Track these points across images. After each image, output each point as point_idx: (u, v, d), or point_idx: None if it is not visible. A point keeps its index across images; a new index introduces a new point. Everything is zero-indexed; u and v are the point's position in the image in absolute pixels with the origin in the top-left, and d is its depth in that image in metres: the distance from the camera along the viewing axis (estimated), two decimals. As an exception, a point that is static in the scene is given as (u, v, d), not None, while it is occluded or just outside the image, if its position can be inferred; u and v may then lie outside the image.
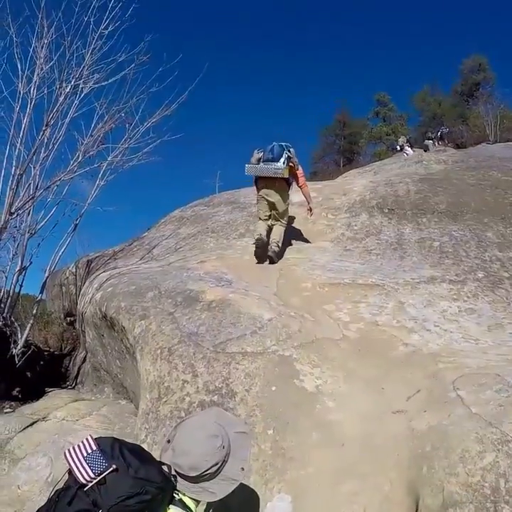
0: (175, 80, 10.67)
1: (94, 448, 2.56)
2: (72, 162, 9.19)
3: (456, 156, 17.08)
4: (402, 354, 5.19)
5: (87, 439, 2.64)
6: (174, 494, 2.64)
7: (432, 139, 26.52)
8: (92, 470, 2.45)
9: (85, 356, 9.01)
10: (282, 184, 8.84)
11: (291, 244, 9.03)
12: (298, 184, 9.38)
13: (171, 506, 2.58)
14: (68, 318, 10.87)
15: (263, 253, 8.32)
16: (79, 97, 9.39)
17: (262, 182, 8.88)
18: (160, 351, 5.37)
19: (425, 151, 22.91)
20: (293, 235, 9.51)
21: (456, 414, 3.70)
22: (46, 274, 9.61)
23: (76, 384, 9.01)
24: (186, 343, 5.30)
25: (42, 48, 9.06)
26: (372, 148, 51.51)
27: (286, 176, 8.78)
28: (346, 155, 54.08)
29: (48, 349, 9.95)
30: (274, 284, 6.93)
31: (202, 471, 2.63)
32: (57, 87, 9.07)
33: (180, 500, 2.65)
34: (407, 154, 21.00)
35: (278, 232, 8.62)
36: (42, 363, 9.13)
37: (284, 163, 8.64)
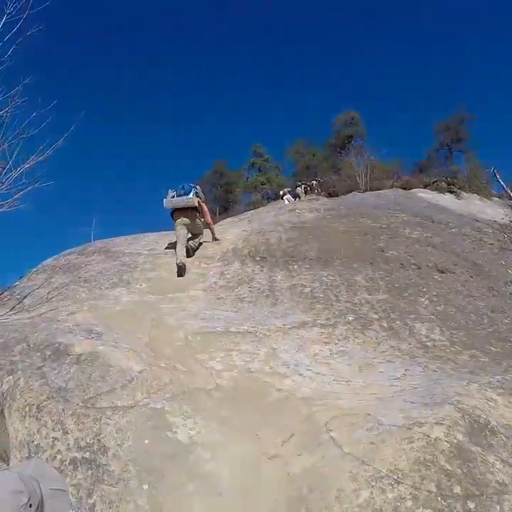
0: (51, 125, 10.48)
1: None
2: None
3: (328, 204, 17.66)
4: (276, 400, 5.20)
5: None
6: None
7: (300, 186, 27.39)
8: None
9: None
10: (193, 213, 11.21)
11: (163, 295, 8.95)
12: (206, 219, 11.63)
13: None
14: None
15: (182, 273, 9.98)
16: None
17: (177, 213, 11.14)
18: (28, 408, 5.13)
19: (295, 198, 23.60)
20: (165, 284, 9.45)
21: (330, 455, 3.74)
22: None
23: None
24: (55, 398, 5.09)
25: None
26: (247, 198, 52.39)
27: (196, 204, 11.18)
28: (222, 203, 54.68)
29: None
30: (146, 334, 6.81)
31: None
32: None
33: None
34: (287, 202, 21.54)
35: (195, 242, 11.24)
36: None
37: (193, 195, 11.15)
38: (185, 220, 11.04)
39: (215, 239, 11.84)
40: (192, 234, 11.20)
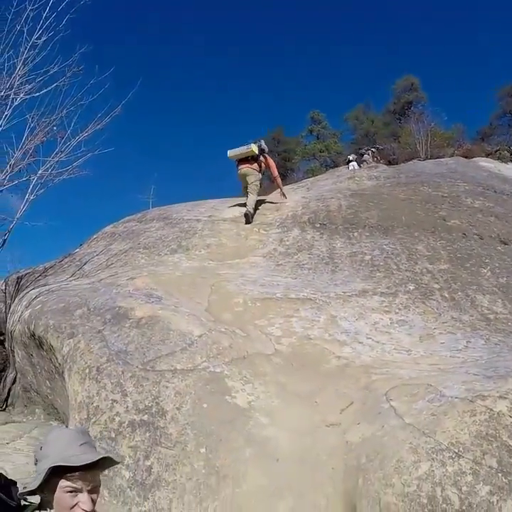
0: (108, 92, 10.51)
1: None
2: (1, 175, 8.94)
3: (387, 172, 17.34)
4: (335, 367, 5.17)
5: None
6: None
7: (367, 152, 26.90)
8: None
9: (15, 377, 8.74)
10: (252, 164, 11.82)
11: (222, 261, 8.96)
12: (272, 173, 12.81)
13: None
14: (-3, 337, 10.54)
15: (249, 220, 10.88)
16: (10, 107, 9.15)
17: (239, 163, 11.96)
18: (88, 370, 5.21)
19: (361, 165, 23.22)
20: (224, 250, 9.46)
21: (390, 425, 3.68)
22: (-26, 291, 9.32)
23: (6, 406, 8.72)
24: (115, 361, 5.16)
25: (-27, 56, 8.83)
26: (305, 165, 51.88)
27: (256, 152, 11.83)
28: (280, 171, 54.31)
29: (-25, 369, 9.62)
30: (205, 300, 6.83)
31: None
32: (-13, 97, 8.84)
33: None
34: (351, 168, 21.21)
35: (250, 200, 11.31)
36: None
37: (252, 144, 11.87)
38: (242, 168, 11.80)
39: (283, 194, 12.39)
40: (247, 184, 11.73)
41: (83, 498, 2.25)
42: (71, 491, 2.23)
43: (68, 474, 2.22)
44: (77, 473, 2.23)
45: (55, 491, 2.25)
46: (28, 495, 2.40)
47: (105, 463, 2.37)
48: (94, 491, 2.30)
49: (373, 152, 23.19)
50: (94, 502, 2.27)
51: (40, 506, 2.44)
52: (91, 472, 2.28)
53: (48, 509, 2.38)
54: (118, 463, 2.48)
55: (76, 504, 2.23)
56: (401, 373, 4.71)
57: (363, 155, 22.44)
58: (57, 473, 2.22)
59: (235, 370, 4.94)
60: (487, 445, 3.13)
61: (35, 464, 2.34)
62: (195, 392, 4.66)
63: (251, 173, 11.77)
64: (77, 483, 2.24)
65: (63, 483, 2.23)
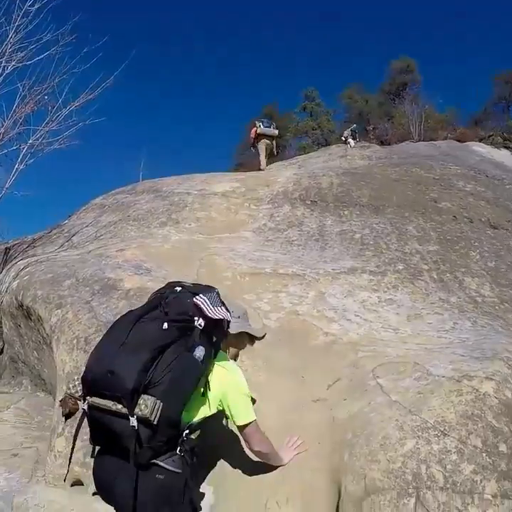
0: (101, 61, 10.44)
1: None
2: (-10, 144, 8.87)
3: (379, 152, 17.39)
4: (322, 343, 5.18)
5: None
6: None
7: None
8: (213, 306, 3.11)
9: (2, 347, 8.71)
10: (272, 141, 18.01)
11: (212, 235, 8.95)
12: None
13: None
14: (-15, 309, 10.50)
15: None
16: (1, 75, 9.06)
17: (263, 137, 17.76)
18: (76, 341, 5.22)
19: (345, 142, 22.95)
20: (214, 224, 9.45)
21: (377, 402, 3.70)
22: (-39, 262, 9.26)
23: (-7, 377, 8.72)
24: (103, 332, 5.16)
25: (-37, 23, 8.71)
26: (297, 142, 51.85)
27: (277, 133, 18.67)
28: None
29: (-38, 341, 9.58)
30: (194, 272, 6.81)
31: None
32: (-22, 64, 8.73)
33: None
34: (353, 143, 21.00)
35: (263, 160, 17.55)
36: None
37: (273, 127, 18.25)
38: (268, 141, 17.71)
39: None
40: (270, 151, 18.05)
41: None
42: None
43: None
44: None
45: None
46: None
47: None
48: None
49: (354, 134, 22.75)
50: None
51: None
52: None
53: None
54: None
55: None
56: (388, 351, 4.73)
57: (345, 139, 22.16)
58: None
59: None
60: (472, 425, 3.15)
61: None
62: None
63: (274, 143, 18.22)
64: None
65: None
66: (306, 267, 7.15)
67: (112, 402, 2.71)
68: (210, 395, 3.07)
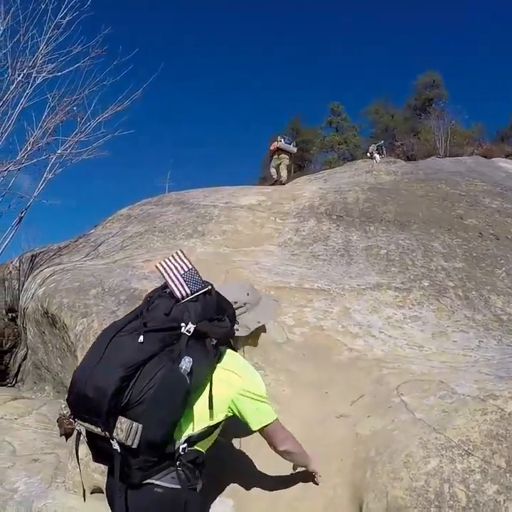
0: (129, 74, 10.56)
1: (190, 266, 2.99)
2: (20, 153, 9.00)
3: (406, 167, 17.29)
4: (347, 359, 5.17)
5: (179, 255, 3.11)
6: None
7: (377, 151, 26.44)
8: (189, 288, 2.85)
9: (26, 353, 8.81)
10: (290, 157, 19.84)
11: (237, 248, 8.97)
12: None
13: (228, 348, 3.13)
14: (10, 314, 10.58)
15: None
16: (31, 86, 9.25)
17: (281, 152, 19.09)
18: (101, 350, 5.25)
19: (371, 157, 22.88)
20: (240, 237, 9.48)
21: (400, 420, 3.69)
22: (-12, 268, 9.39)
23: (16, 382, 8.82)
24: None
25: (-3, 33, 8.87)
26: (323, 157, 51.96)
27: (295, 151, 20.56)
28: (297, 162, 54.35)
29: (-13, 345, 9.70)
30: (219, 285, 6.82)
31: None
32: (9, 74, 8.88)
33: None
34: (379, 158, 20.95)
35: (285, 174, 19.03)
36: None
37: (295, 146, 20.09)
38: (283, 156, 18.95)
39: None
40: (281, 165, 19.03)
41: None
42: None
43: None
44: None
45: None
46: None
47: None
48: None
49: (380, 150, 22.66)
50: None
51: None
52: None
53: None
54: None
55: None
56: (413, 368, 4.71)
57: (371, 155, 22.08)
58: None
59: (246, 356, 4.96)
60: (497, 445, 3.13)
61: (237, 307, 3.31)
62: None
63: (287, 159, 19.38)
64: None
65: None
66: (331, 282, 7.14)
67: (93, 426, 2.64)
68: (215, 403, 2.81)
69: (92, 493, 4.21)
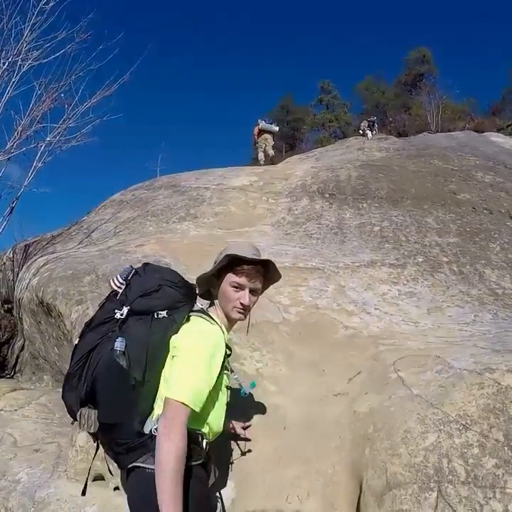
0: (117, 58, 10.47)
1: (128, 266, 3.01)
2: (9, 142, 8.93)
3: (397, 144, 17.26)
4: (343, 337, 5.19)
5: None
6: (198, 306, 2.97)
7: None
8: (121, 277, 2.88)
9: (23, 344, 8.80)
10: (273, 137, 20.19)
11: (230, 229, 8.95)
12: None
13: (192, 314, 2.86)
14: (5, 305, 10.57)
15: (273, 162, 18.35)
16: (17, 74, 9.12)
17: (263, 132, 19.94)
18: (97, 337, 5.23)
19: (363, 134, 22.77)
20: (233, 218, 9.46)
21: (398, 396, 3.69)
22: (-19, 260, 9.36)
23: (14, 373, 8.81)
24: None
25: (-21, 22, 8.76)
26: (315, 135, 51.73)
27: (277, 130, 20.72)
28: (289, 141, 54.25)
29: (-16, 337, 9.69)
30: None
31: None
32: (-6, 63, 8.78)
33: (205, 311, 2.98)
34: (370, 135, 20.89)
35: (272, 153, 20.04)
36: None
37: (276, 126, 20.62)
38: (268, 136, 19.87)
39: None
40: (267, 146, 19.91)
41: (244, 294, 2.93)
42: (235, 287, 2.92)
43: (238, 268, 2.92)
44: (245, 269, 2.91)
45: (220, 283, 2.97)
46: (200, 282, 3.12)
47: (271, 276, 3.14)
48: (254, 293, 2.99)
49: (371, 126, 22.58)
50: (251, 302, 2.98)
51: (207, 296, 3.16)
52: (256, 273, 2.96)
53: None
54: (279, 278, 3.19)
55: (237, 299, 2.92)
56: (409, 344, 4.71)
57: (363, 131, 22.01)
58: (229, 266, 2.93)
59: (243, 337, 4.95)
60: (494, 418, 3.13)
61: (215, 263, 3.01)
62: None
63: (272, 139, 20.13)
64: (242, 279, 2.92)
65: (231, 277, 2.92)
66: (326, 260, 7.14)
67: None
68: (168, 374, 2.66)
69: (94, 480, 4.21)
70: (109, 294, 2.94)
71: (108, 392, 2.65)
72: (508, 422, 3.10)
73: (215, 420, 2.83)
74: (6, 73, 9.01)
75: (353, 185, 10.49)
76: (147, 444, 2.60)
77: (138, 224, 9.81)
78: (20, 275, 9.12)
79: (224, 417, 2.92)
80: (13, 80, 9.08)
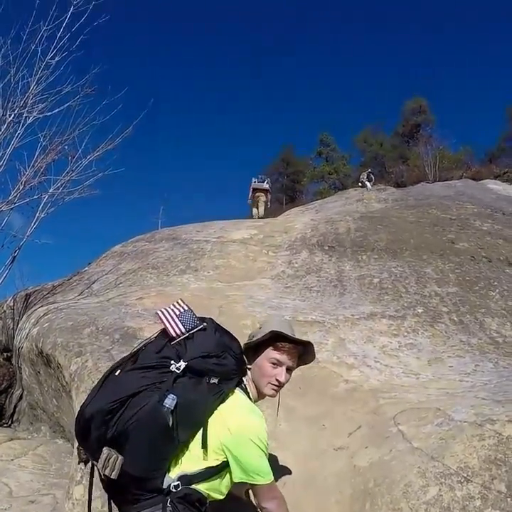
0: (120, 113, 10.64)
1: (186, 308, 2.95)
2: (12, 192, 9.04)
3: (396, 194, 17.43)
4: (343, 390, 5.16)
5: (178, 301, 3.02)
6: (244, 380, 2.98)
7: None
8: (183, 326, 2.83)
9: (22, 394, 8.75)
10: (266, 194, 21.07)
11: (230, 282, 8.98)
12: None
13: (237, 388, 2.88)
14: (5, 354, 10.52)
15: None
16: (22, 126, 9.30)
17: (258, 190, 20.81)
18: (96, 390, 5.22)
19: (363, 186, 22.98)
20: (233, 272, 9.49)
21: (398, 449, 3.67)
22: (-18, 308, 9.38)
23: (12, 422, 8.73)
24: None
25: (-13, 75, 8.96)
26: (314, 187, 52.17)
27: (268, 188, 21.39)
28: (289, 193, 54.76)
29: (-18, 385, 9.62)
30: (214, 321, 6.82)
31: None
32: (1, 114, 8.94)
33: (245, 388, 2.97)
34: (370, 186, 21.10)
35: (262, 211, 20.42)
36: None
37: (267, 184, 21.45)
38: (260, 195, 20.63)
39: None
40: (263, 205, 20.73)
41: (281, 371, 2.95)
42: (274, 363, 2.94)
43: (280, 344, 2.94)
44: (287, 347, 2.94)
45: (257, 357, 2.99)
46: (245, 349, 3.06)
47: (306, 357, 3.19)
48: (289, 370, 3.02)
49: (371, 176, 22.83)
50: (286, 380, 3.00)
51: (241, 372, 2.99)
52: (296, 352, 3.01)
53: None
54: (313, 359, 3.25)
55: (274, 375, 2.93)
56: (409, 397, 4.69)
57: (362, 183, 22.24)
58: (271, 341, 2.95)
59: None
60: (496, 469, 3.11)
61: (251, 338, 3.06)
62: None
63: (264, 199, 20.76)
64: (283, 357, 2.94)
65: (271, 353, 2.94)
66: (325, 313, 7.15)
67: (87, 453, 2.72)
68: (209, 443, 2.66)
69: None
70: (159, 334, 2.92)
71: (145, 444, 2.59)
72: (510, 472, 3.09)
73: (224, 489, 2.81)
74: (12, 125, 9.17)
75: (352, 238, 10.56)
76: (159, 498, 2.59)
77: (139, 276, 9.84)
78: (20, 324, 9.13)
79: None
80: (18, 131, 9.25)
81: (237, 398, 2.84)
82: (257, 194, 20.80)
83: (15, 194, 9.07)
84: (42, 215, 9.79)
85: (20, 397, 8.80)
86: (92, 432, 2.61)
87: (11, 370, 9.92)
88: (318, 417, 4.71)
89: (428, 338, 6.57)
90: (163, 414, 2.56)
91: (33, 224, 9.72)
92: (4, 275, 9.55)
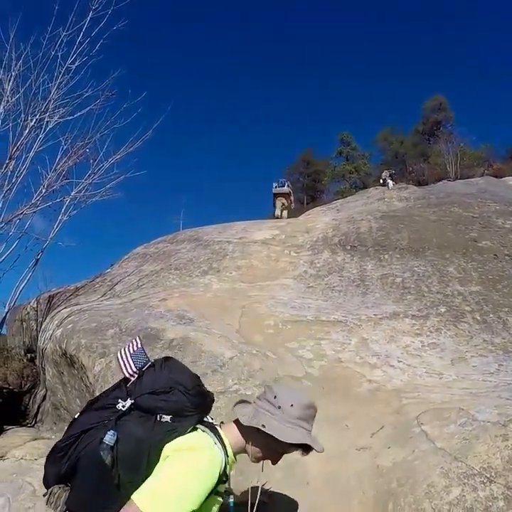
0: (140, 116, 10.72)
1: (140, 346, 2.89)
2: (35, 196, 9.14)
3: (417, 193, 17.31)
4: (366, 390, 5.15)
5: (135, 339, 2.97)
6: (209, 419, 2.79)
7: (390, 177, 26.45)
8: (135, 365, 2.78)
9: (45, 394, 8.83)
10: (287, 197, 27.31)
11: (253, 283, 8.99)
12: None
13: (199, 426, 2.66)
14: (29, 355, 10.66)
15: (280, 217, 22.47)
16: (44, 130, 9.42)
17: (278, 195, 27.16)
18: (120, 391, 5.26)
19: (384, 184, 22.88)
20: (255, 272, 9.50)
21: (421, 450, 3.66)
22: (7, 309, 9.52)
23: (36, 422, 8.81)
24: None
25: (9, 80, 9.05)
26: (335, 186, 52.13)
27: (288, 191, 29.40)
28: (310, 193, 54.73)
29: (7, 386, 9.73)
30: (236, 321, 6.87)
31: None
32: (23, 120, 9.08)
33: (215, 428, 2.74)
34: (391, 185, 21.02)
35: (285, 215, 24.14)
36: (0, 400, 8.93)
37: (287, 187, 29.25)
38: (282, 199, 22.58)
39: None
40: (284, 209, 24.03)
41: (280, 458, 2.91)
42: (281, 454, 2.86)
43: (297, 448, 2.82)
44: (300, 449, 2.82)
45: (268, 437, 2.69)
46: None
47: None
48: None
49: (392, 175, 22.83)
50: None
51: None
52: None
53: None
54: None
55: (273, 459, 2.87)
56: (432, 397, 4.68)
57: (384, 181, 22.19)
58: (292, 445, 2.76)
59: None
60: (519, 470, 3.10)
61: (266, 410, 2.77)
62: (225, 414, 4.64)
63: (286, 202, 21.70)
64: (291, 453, 2.87)
65: (286, 450, 2.83)
66: (348, 313, 7.14)
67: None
68: None
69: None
70: (121, 380, 2.84)
71: (88, 482, 2.53)
72: (534, 473, 3.07)
73: None
74: (34, 130, 9.27)
75: (374, 237, 10.52)
76: None
77: (161, 277, 9.90)
78: (43, 326, 9.22)
79: None
80: (40, 135, 9.35)
81: (189, 437, 2.59)
82: (279, 198, 21.19)
83: (37, 197, 9.17)
84: (64, 218, 9.91)
85: (44, 398, 8.88)
86: (49, 469, 2.69)
87: (34, 370, 10.04)
88: (341, 417, 4.70)
89: (451, 337, 6.54)
90: (101, 450, 2.49)
91: (55, 227, 9.85)
92: (28, 277, 9.67)
